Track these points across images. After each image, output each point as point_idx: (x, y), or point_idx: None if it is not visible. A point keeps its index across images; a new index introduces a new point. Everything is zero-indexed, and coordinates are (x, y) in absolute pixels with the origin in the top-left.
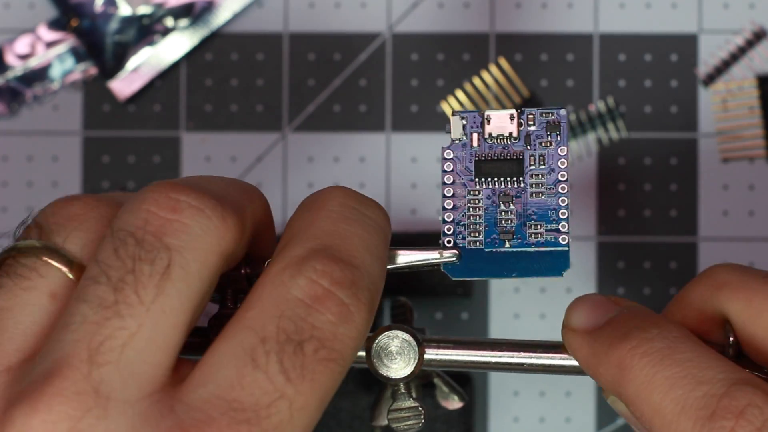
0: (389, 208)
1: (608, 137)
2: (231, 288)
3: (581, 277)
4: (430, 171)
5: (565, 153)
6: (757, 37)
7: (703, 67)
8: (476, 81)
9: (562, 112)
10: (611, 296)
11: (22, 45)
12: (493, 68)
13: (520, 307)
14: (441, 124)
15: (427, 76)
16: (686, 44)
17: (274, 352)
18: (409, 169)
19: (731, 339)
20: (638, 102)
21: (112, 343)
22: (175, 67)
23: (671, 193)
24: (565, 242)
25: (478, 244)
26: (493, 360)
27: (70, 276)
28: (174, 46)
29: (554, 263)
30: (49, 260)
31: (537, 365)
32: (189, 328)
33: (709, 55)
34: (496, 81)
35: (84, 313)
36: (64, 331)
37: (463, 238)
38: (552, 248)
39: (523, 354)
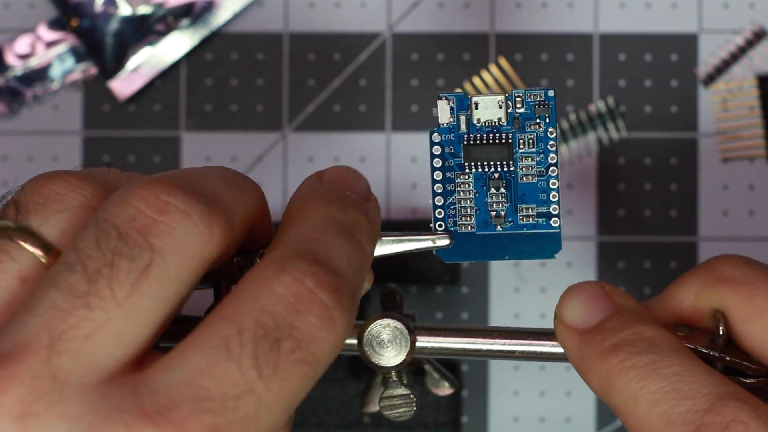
0: (389, 208)
1: (608, 137)
2: (225, 279)
3: (581, 277)
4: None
5: (554, 135)
6: (757, 36)
7: (703, 67)
8: (476, 81)
9: (550, 92)
10: (605, 285)
11: (22, 45)
12: (493, 68)
13: (520, 306)
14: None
15: (427, 76)
16: (686, 44)
17: (250, 344)
18: (409, 169)
19: (721, 330)
20: (638, 102)
21: (76, 333)
22: (175, 66)
23: (671, 192)
24: (557, 224)
25: (469, 227)
26: (485, 347)
27: (44, 261)
28: (174, 45)
29: (546, 245)
30: (23, 243)
31: (528, 353)
32: (161, 327)
33: (709, 55)
34: (496, 81)
35: (53, 299)
36: (30, 313)
37: (455, 222)
38: (543, 230)
39: (514, 341)
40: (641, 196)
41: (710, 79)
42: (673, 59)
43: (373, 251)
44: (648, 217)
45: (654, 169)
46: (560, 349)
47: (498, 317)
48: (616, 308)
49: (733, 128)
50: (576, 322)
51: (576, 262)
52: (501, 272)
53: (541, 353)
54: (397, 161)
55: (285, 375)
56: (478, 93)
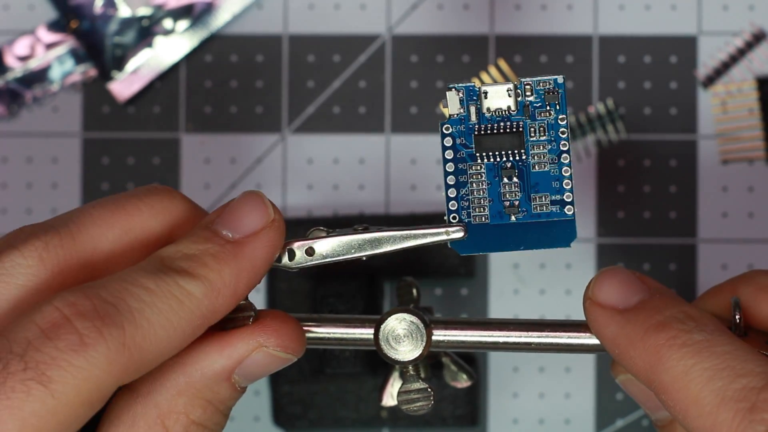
0: (388, 210)
1: (608, 139)
2: None
3: (581, 278)
4: (430, 172)
5: (565, 122)
6: (757, 38)
7: (703, 69)
8: (476, 82)
9: (560, 79)
10: (637, 273)
11: (21, 46)
12: (493, 70)
13: (520, 308)
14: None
15: (426, 78)
16: (686, 46)
17: None
18: (408, 171)
19: (738, 317)
20: (638, 103)
21: None
22: (174, 68)
23: (671, 194)
24: (571, 212)
25: (483, 219)
26: (502, 340)
27: None
28: (173, 47)
29: (561, 234)
30: None
31: (545, 344)
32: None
33: (708, 57)
34: (496, 82)
35: None
36: None
37: (468, 214)
38: (558, 218)
39: (531, 333)
40: (640, 198)
41: (710, 80)
42: (672, 61)
43: (227, 284)
44: (647, 218)
45: (653, 170)
46: (577, 340)
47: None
48: (653, 290)
49: (733, 130)
50: (613, 301)
51: (575, 264)
52: (500, 274)
53: (559, 344)
54: (396, 163)
55: (9, 394)
56: (493, 81)
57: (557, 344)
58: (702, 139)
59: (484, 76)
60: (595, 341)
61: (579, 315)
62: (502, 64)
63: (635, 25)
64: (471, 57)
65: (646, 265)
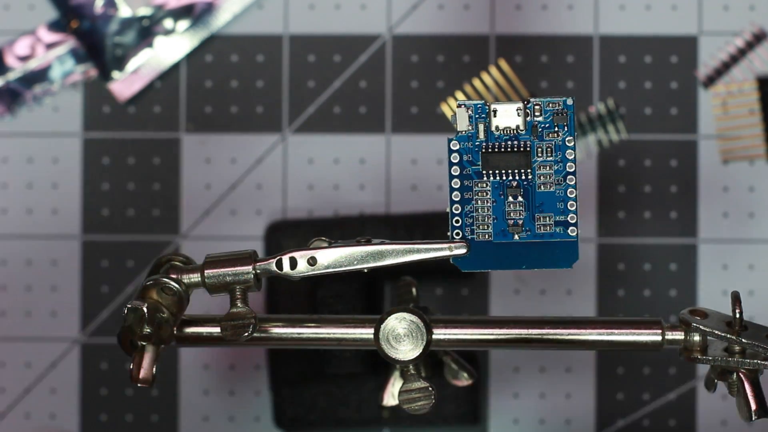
0: (389, 211)
1: (608, 139)
2: (239, 285)
3: (581, 278)
4: (431, 173)
5: (573, 143)
6: (757, 38)
7: (703, 69)
8: (476, 83)
9: (569, 101)
10: None
11: (22, 46)
12: (493, 70)
13: (520, 309)
14: (441, 125)
15: (427, 78)
16: (686, 46)
17: None
18: (409, 171)
19: (737, 312)
20: (638, 103)
21: None
22: (175, 68)
23: (671, 194)
24: (574, 233)
25: (486, 236)
26: (501, 337)
27: None
28: (174, 47)
29: (563, 254)
30: None
31: (544, 341)
32: None
33: (709, 57)
34: (496, 82)
35: None
36: None
37: (472, 231)
38: (561, 239)
39: (530, 330)
40: (641, 198)
41: (710, 80)
42: (673, 61)
43: None
44: (648, 218)
45: (654, 171)
46: (576, 337)
47: None
48: None
49: (733, 130)
50: None
51: (576, 265)
52: (501, 274)
53: (558, 341)
54: (397, 163)
55: None
56: (497, 101)
57: (557, 340)
58: (702, 139)
59: (485, 77)
60: (594, 338)
61: (579, 314)
62: (503, 64)
63: (636, 25)
64: (471, 57)
65: (646, 265)
